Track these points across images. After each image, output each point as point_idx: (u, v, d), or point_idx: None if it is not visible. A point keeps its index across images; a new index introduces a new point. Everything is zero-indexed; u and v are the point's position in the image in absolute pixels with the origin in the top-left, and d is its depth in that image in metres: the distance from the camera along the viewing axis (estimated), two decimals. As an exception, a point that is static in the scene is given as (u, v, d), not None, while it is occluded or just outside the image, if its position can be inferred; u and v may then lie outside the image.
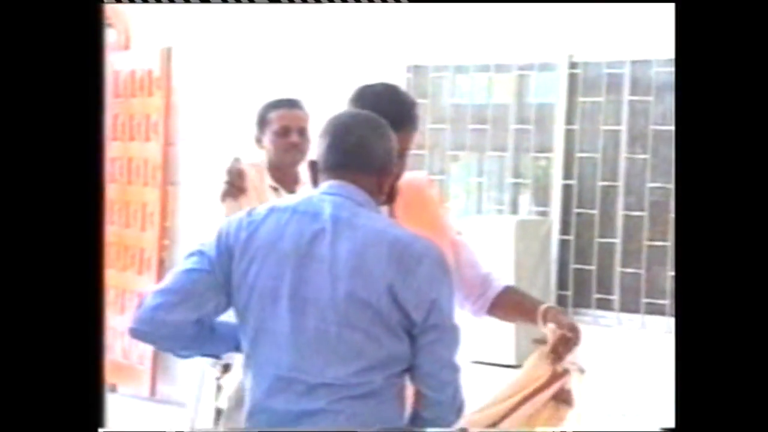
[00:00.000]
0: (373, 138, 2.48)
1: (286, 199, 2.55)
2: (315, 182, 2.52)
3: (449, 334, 2.45)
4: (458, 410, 2.54)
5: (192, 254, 2.49)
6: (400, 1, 5.87)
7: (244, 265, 2.42)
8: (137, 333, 2.44)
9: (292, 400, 2.39)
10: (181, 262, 2.50)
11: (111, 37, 8.71)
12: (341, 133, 2.47)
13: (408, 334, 2.41)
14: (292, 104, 3.77)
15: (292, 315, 2.38)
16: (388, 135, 2.51)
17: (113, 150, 7.17)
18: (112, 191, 7.18)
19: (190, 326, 2.44)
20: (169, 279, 2.48)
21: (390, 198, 2.85)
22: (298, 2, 6.03)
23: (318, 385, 2.38)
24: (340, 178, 2.45)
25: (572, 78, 5.77)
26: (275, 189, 3.68)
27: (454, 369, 2.48)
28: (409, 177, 3.00)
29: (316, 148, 2.53)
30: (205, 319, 2.46)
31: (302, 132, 3.71)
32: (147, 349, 6.81)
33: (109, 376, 7.13)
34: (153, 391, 6.78)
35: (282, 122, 3.71)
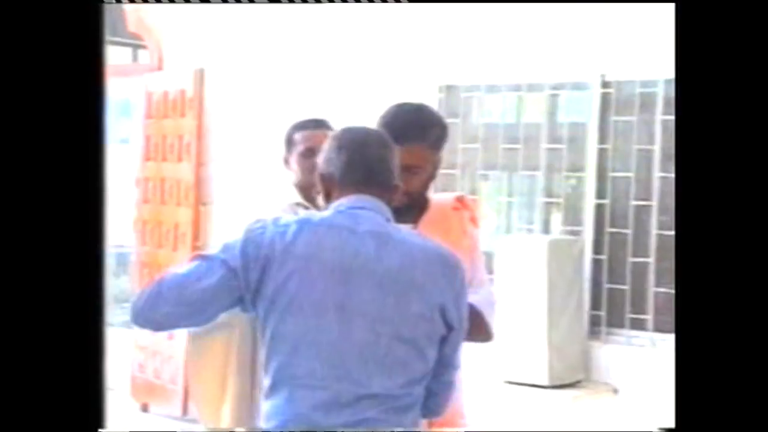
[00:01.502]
0: (389, 155, 2.53)
1: (314, 214, 2.56)
2: (328, 195, 2.54)
3: (461, 337, 2.52)
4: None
5: (204, 261, 2.50)
6: (400, 1, 5.86)
7: (282, 278, 2.41)
8: (138, 323, 2.54)
9: (336, 412, 2.38)
10: (188, 265, 2.52)
11: (144, 58, 8.77)
12: (362, 150, 2.51)
13: None
14: (317, 124, 3.77)
15: (340, 327, 2.39)
16: (394, 148, 2.56)
17: (146, 170, 7.22)
18: (145, 211, 7.22)
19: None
20: (183, 284, 2.48)
21: (416, 217, 2.86)
22: (298, 2, 6.04)
23: (363, 396, 2.38)
24: (362, 192, 2.49)
25: (605, 97, 5.75)
26: (306, 208, 3.68)
27: (453, 373, 2.56)
28: (437, 198, 3.01)
29: (328, 161, 2.54)
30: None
31: None
32: (179, 369, 6.82)
33: (142, 396, 7.15)
34: (185, 410, 6.79)
35: (307, 143, 3.71)
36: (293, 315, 2.41)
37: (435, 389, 2.51)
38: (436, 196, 3.11)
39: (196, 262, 2.53)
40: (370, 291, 2.39)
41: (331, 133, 2.60)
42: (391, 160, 2.53)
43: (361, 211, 2.46)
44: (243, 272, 2.45)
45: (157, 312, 2.51)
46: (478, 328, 2.75)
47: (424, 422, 2.61)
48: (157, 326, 2.60)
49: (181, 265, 2.69)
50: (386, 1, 5.93)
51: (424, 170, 2.86)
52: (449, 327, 2.45)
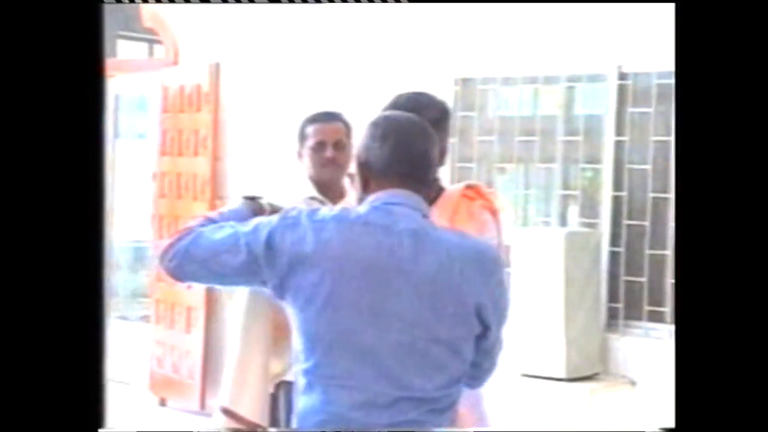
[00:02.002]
0: (432, 147, 2.45)
1: (350, 210, 2.45)
2: (365, 185, 2.46)
3: (501, 330, 2.50)
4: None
5: (233, 235, 2.44)
6: (399, 1, 5.85)
7: (316, 277, 2.36)
8: (165, 269, 2.49)
9: (375, 413, 2.35)
10: (220, 230, 2.47)
11: (160, 53, 8.79)
12: (406, 142, 2.42)
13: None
14: (328, 117, 3.75)
15: (376, 329, 2.34)
16: (436, 140, 2.49)
17: (162, 165, 7.23)
18: (161, 206, 7.23)
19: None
20: (210, 252, 2.45)
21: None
22: (298, 2, 6.03)
23: (402, 398, 2.35)
24: (401, 186, 2.41)
25: (621, 89, 5.72)
26: (321, 203, 3.67)
27: (494, 364, 2.54)
28: (450, 188, 3.01)
29: (366, 150, 2.45)
30: None
31: (339, 146, 3.67)
32: (196, 364, 6.84)
33: (159, 390, 7.17)
34: (203, 404, 6.80)
35: (318, 137, 3.69)
36: (328, 315, 2.36)
37: (477, 369, 2.50)
38: (450, 186, 3.11)
39: (227, 231, 2.46)
40: (406, 292, 2.34)
41: (371, 120, 2.49)
42: (434, 153, 2.47)
43: (398, 207, 2.39)
44: (266, 261, 2.40)
45: (184, 269, 2.49)
46: None
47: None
48: (183, 279, 2.55)
49: (216, 214, 2.67)
50: (386, 1, 5.92)
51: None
52: (486, 326, 2.40)
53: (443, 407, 2.39)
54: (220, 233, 2.47)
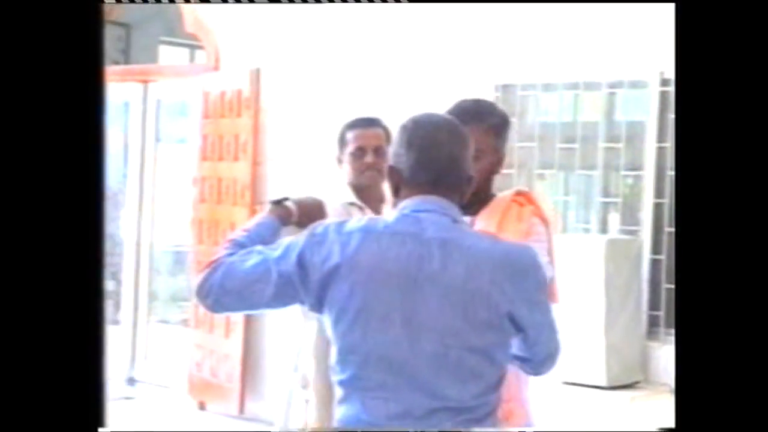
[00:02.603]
0: (461, 151, 2.41)
1: (378, 220, 2.45)
2: (396, 191, 2.45)
3: (554, 332, 2.51)
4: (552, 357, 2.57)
5: (262, 262, 2.44)
6: (399, 1, 5.84)
7: (347, 289, 2.36)
8: (202, 303, 2.52)
9: (411, 424, 2.33)
10: (248, 256, 2.47)
11: (201, 58, 8.82)
12: (431, 149, 2.39)
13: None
14: (368, 123, 3.75)
15: (408, 340, 2.32)
16: (469, 141, 2.45)
17: (203, 170, 7.27)
18: (201, 210, 7.26)
19: None
20: (243, 282, 2.45)
21: (477, 210, 2.84)
22: (298, 2, 6.03)
23: (438, 408, 2.33)
24: (431, 192, 2.39)
25: (663, 95, 5.68)
26: (360, 208, 3.67)
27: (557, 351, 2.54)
28: (500, 194, 3.00)
29: (397, 156, 2.44)
30: None
31: (378, 151, 3.67)
32: (235, 368, 6.86)
33: (198, 394, 7.20)
34: (241, 408, 6.82)
35: (357, 142, 3.69)
36: (361, 327, 2.35)
37: (533, 361, 2.52)
38: (501, 192, 3.09)
39: (256, 259, 2.47)
40: (437, 302, 2.32)
41: (401, 123, 2.48)
42: (464, 157, 2.42)
43: (427, 214, 2.37)
44: (300, 282, 2.40)
45: (221, 303, 2.51)
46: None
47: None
48: (224, 312, 2.60)
49: (242, 234, 2.70)
50: (386, 1, 5.91)
51: (484, 154, 2.82)
52: (521, 329, 2.38)
53: (480, 416, 2.37)
54: (250, 261, 2.47)
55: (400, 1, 5.86)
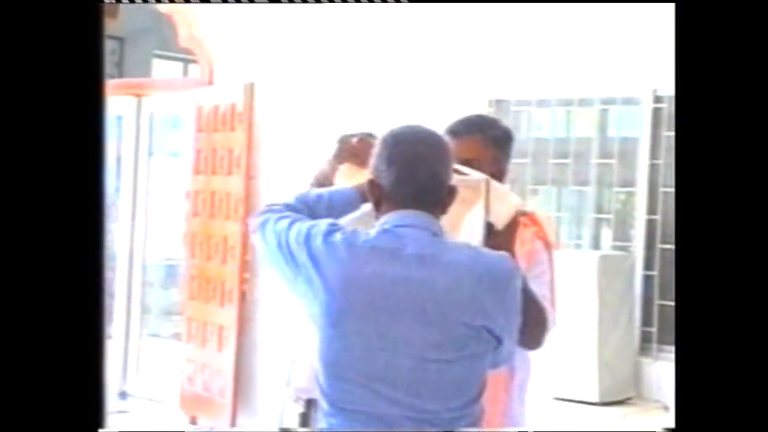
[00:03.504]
0: (441, 166, 2.41)
1: (359, 233, 2.43)
2: (378, 205, 2.45)
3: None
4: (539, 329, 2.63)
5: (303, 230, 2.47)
6: (399, 1, 5.85)
7: (325, 301, 2.38)
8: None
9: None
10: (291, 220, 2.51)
11: (194, 72, 8.82)
12: (412, 164, 2.39)
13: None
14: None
15: (385, 355, 2.33)
16: (449, 152, 2.45)
17: (196, 183, 7.26)
18: (194, 224, 7.26)
19: None
20: (277, 243, 2.50)
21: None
22: (298, 2, 6.04)
23: (421, 420, 2.34)
24: (411, 207, 2.39)
25: (656, 112, 5.70)
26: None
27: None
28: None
29: (377, 171, 2.44)
30: None
31: None
32: (227, 382, 6.84)
33: (190, 409, 7.18)
34: (234, 423, 6.80)
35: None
36: (338, 341, 2.37)
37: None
38: None
39: (293, 231, 2.50)
40: (414, 317, 2.32)
41: (381, 137, 2.49)
42: (445, 170, 2.43)
43: (407, 229, 2.37)
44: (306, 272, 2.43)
45: (264, 238, 2.56)
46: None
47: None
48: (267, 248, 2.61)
49: (324, 194, 2.73)
50: (386, 1, 5.91)
51: (483, 165, 2.79)
52: (499, 339, 2.39)
53: (466, 426, 2.38)
54: (290, 229, 2.48)
55: (400, 1, 5.86)
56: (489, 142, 2.88)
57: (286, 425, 4.17)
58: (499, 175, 2.96)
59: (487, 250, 2.46)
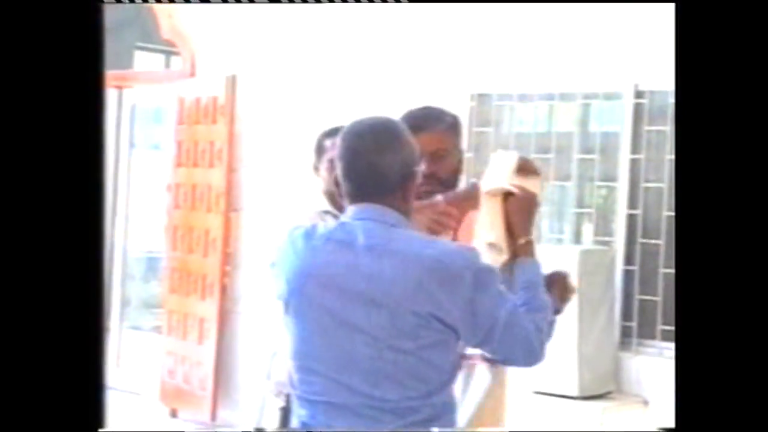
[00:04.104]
0: (383, 157, 2.44)
1: (318, 226, 2.53)
2: (342, 199, 2.54)
3: (507, 328, 2.45)
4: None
5: None
6: (399, 1, 5.85)
7: (287, 295, 2.48)
8: None
9: (356, 425, 2.39)
10: None
11: (177, 64, 8.80)
12: (351, 160, 2.45)
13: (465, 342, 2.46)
14: None
15: (343, 345, 2.39)
16: (401, 142, 2.46)
17: (177, 176, 7.25)
18: (176, 217, 7.24)
19: None
20: None
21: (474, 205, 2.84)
22: (298, 2, 6.04)
23: (380, 409, 2.38)
24: (366, 200, 2.45)
25: (638, 107, 5.71)
26: (335, 216, 3.67)
27: (526, 341, 2.49)
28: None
29: (335, 166, 2.52)
30: None
31: None
32: (208, 375, 6.84)
33: (170, 401, 7.17)
34: (214, 416, 6.80)
35: (334, 151, 3.69)
36: (299, 333, 2.45)
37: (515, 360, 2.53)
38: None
39: None
40: (366, 307, 2.37)
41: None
42: (389, 162, 2.44)
43: (361, 222, 2.43)
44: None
45: None
46: None
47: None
48: None
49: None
50: (386, 1, 5.91)
51: (450, 154, 2.89)
52: (454, 330, 2.40)
53: (426, 419, 2.40)
54: None
55: (400, 1, 5.85)
56: (450, 130, 2.95)
57: (266, 419, 4.17)
58: (461, 160, 3.01)
59: (448, 242, 2.50)
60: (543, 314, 2.54)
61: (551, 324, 2.58)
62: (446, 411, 2.44)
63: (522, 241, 2.65)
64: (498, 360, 2.59)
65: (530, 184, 2.71)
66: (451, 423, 2.45)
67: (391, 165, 2.44)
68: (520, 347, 2.48)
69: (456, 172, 3.03)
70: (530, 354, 2.51)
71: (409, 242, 2.41)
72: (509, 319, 2.44)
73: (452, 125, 2.97)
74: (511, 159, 2.76)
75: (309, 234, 2.48)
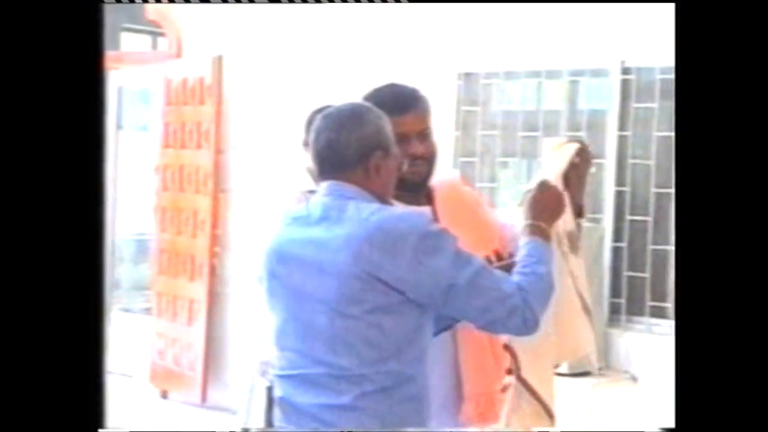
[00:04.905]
0: (343, 134, 2.53)
1: (290, 208, 2.66)
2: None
3: (472, 287, 2.47)
4: (542, 296, 2.56)
5: None
6: (400, 1, 5.84)
7: (263, 274, 2.62)
8: None
9: (312, 394, 2.48)
10: None
11: (162, 45, 8.77)
12: (315, 138, 2.58)
13: (424, 309, 2.49)
14: None
15: (303, 317, 2.50)
16: (361, 121, 2.55)
17: (165, 157, 7.23)
18: (164, 198, 7.23)
19: None
20: None
21: (429, 199, 2.85)
22: (298, 2, 6.02)
23: (339, 378, 2.46)
24: (328, 179, 2.56)
25: (625, 84, 5.71)
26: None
27: (504, 300, 2.49)
28: (441, 178, 3.00)
29: None
30: None
31: None
32: (198, 357, 6.84)
33: (161, 383, 7.17)
34: (204, 397, 6.81)
35: None
36: (274, 313, 2.58)
37: (517, 323, 2.51)
38: (439, 176, 3.08)
39: None
40: (319, 276, 2.46)
41: None
42: (348, 137, 2.53)
43: (323, 198, 2.54)
44: None
45: None
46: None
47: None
48: None
49: None
50: (386, 1, 5.91)
51: (432, 133, 2.88)
52: (403, 294, 2.44)
53: (379, 388, 2.45)
54: None
55: (400, 1, 5.84)
56: (429, 109, 2.93)
57: (256, 400, 4.17)
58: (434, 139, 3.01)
59: (397, 209, 2.54)
60: (532, 277, 2.55)
61: (544, 288, 2.57)
62: (402, 381, 2.47)
63: (542, 225, 2.68)
64: (482, 327, 2.56)
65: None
66: (410, 395, 2.48)
67: (348, 142, 2.53)
68: (498, 310, 2.48)
69: (436, 151, 3.02)
70: (512, 314, 2.49)
71: (358, 211, 2.48)
72: (474, 279, 2.46)
73: (428, 105, 2.97)
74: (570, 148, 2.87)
75: (283, 215, 2.61)
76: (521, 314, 2.48)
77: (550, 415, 2.82)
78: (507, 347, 2.74)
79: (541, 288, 2.55)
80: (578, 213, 2.87)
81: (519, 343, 2.72)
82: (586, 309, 2.88)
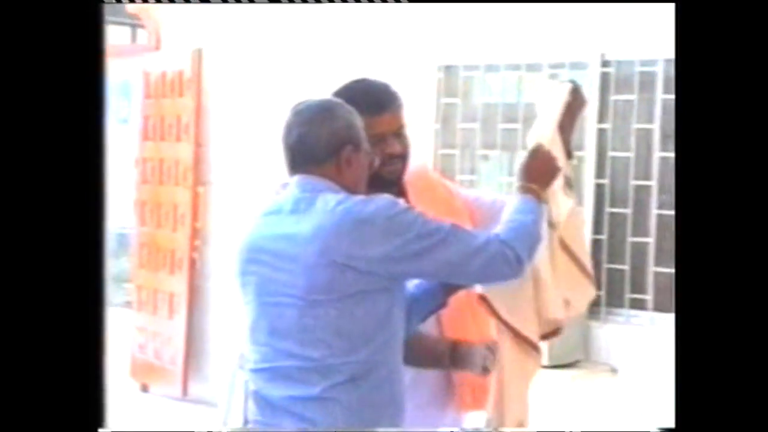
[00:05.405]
0: (312, 129, 2.56)
1: (266, 202, 2.68)
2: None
3: (445, 247, 2.50)
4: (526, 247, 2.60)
5: None
6: (399, 1, 5.84)
7: (239, 270, 2.64)
8: None
9: (284, 387, 2.49)
10: None
11: (142, 38, 8.74)
12: (285, 134, 2.60)
13: (393, 293, 2.52)
14: None
15: (277, 309, 2.50)
16: (331, 116, 2.58)
17: (145, 150, 7.21)
18: (143, 192, 7.21)
19: None
20: None
21: (401, 191, 2.86)
22: (298, 2, 6.02)
23: (309, 370, 2.47)
24: (298, 173, 2.58)
25: (604, 76, 5.73)
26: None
27: (480, 251, 2.53)
28: (411, 169, 3.00)
29: None
30: None
31: None
32: (179, 350, 6.83)
33: (141, 377, 7.16)
34: (185, 391, 6.80)
35: None
36: (247, 307, 2.59)
37: (500, 270, 2.55)
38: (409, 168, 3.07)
39: None
40: (288, 268, 2.48)
41: None
42: (318, 131, 2.56)
43: (293, 191, 2.56)
44: None
45: None
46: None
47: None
48: None
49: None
50: (386, 1, 5.91)
51: (406, 128, 2.89)
52: (373, 275, 2.46)
53: (347, 379, 2.47)
54: None
55: (400, 1, 5.83)
56: (402, 106, 2.92)
57: (237, 393, 4.17)
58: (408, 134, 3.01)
59: (363, 197, 2.54)
60: (516, 224, 2.61)
61: (530, 233, 2.62)
62: (371, 369, 2.49)
63: (534, 186, 2.73)
64: (468, 282, 2.63)
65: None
66: (380, 382, 2.50)
67: (319, 136, 2.55)
68: (476, 261, 2.52)
69: (410, 146, 3.02)
70: (493, 261, 2.54)
71: (325, 203, 2.51)
72: (445, 239, 2.50)
73: (402, 99, 2.96)
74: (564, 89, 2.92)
75: (256, 211, 2.63)
76: (502, 258, 2.53)
77: (536, 349, 2.90)
78: (481, 297, 2.75)
79: (527, 233, 2.61)
80: (568, 155, 2.88)
81: (495, 293, 2.74)
82: (578, 263, 3.01)
